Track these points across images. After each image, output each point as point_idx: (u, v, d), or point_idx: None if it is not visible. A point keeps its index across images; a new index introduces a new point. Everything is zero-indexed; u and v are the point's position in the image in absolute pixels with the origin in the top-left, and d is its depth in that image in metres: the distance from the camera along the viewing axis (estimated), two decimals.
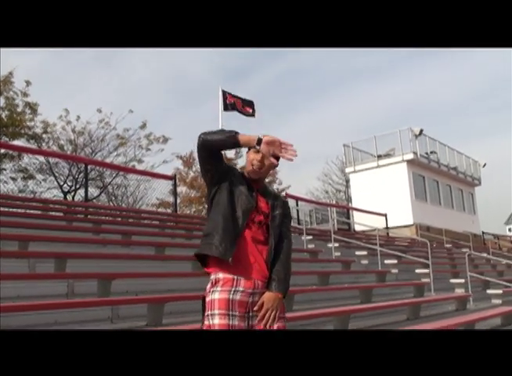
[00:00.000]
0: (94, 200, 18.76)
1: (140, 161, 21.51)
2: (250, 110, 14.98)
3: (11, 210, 8.21)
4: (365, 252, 11.31)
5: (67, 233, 7.33)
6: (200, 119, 44.19)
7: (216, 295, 2.31)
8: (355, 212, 20.11)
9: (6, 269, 4.81)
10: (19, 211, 8.48)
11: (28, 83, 18.09)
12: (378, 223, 16.60)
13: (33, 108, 18.56)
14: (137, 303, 5.02)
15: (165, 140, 22.03)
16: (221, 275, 2.35)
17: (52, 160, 18.12)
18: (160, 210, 18.22)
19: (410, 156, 20.60)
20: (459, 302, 8.52)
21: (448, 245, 18.54)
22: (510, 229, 36.64)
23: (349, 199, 26.82)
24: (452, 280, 10.53)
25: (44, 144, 19.43)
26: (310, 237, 11.82)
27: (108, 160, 20.15)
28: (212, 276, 2.38)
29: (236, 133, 2.35)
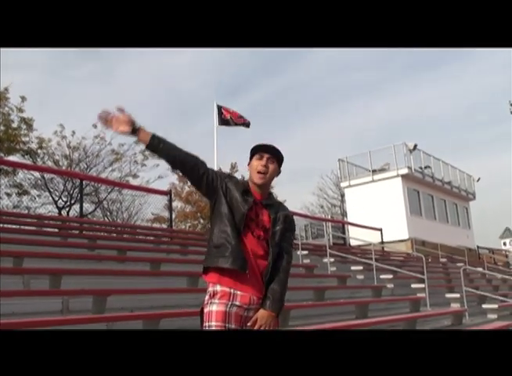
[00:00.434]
0: (89, 216, 18.69)
1: (135, 176, 21.47)
2: (247, 120, 14.96)
3: (5, 226, 8.15)
4: (360, 267, 11.27)
5: (62, 249, 7.29)
6: (196, 134, 44.32)
7: (214, 307, 2.37)
8: (350, 227, 20.10)
9: (1, 286, 4.77)
10: (14, 226, 8.42)
11: (24, 99, 18.13)
12: (373, 238, 16.59)
13: (28, 123, 18.57)
14: (132, 319, 4.98)
15: None
16: (218, 287, 2.40)
17: (46, 175, 18.09)
18: (155, 225, 18.17)
19: (405, 170, 20.73)
20: (454, 317, 8.49)
21: (443, 260, 18.54)
22: (504, 243, 36.66)
23: (344, 213, 26.86)
24: (448, 295, 10.52)
25: (39, 159, 19.40)
26: (305, 252, 11.76)
27: (103, 176, 20.12)
28: (210, 289, 2.42)
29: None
